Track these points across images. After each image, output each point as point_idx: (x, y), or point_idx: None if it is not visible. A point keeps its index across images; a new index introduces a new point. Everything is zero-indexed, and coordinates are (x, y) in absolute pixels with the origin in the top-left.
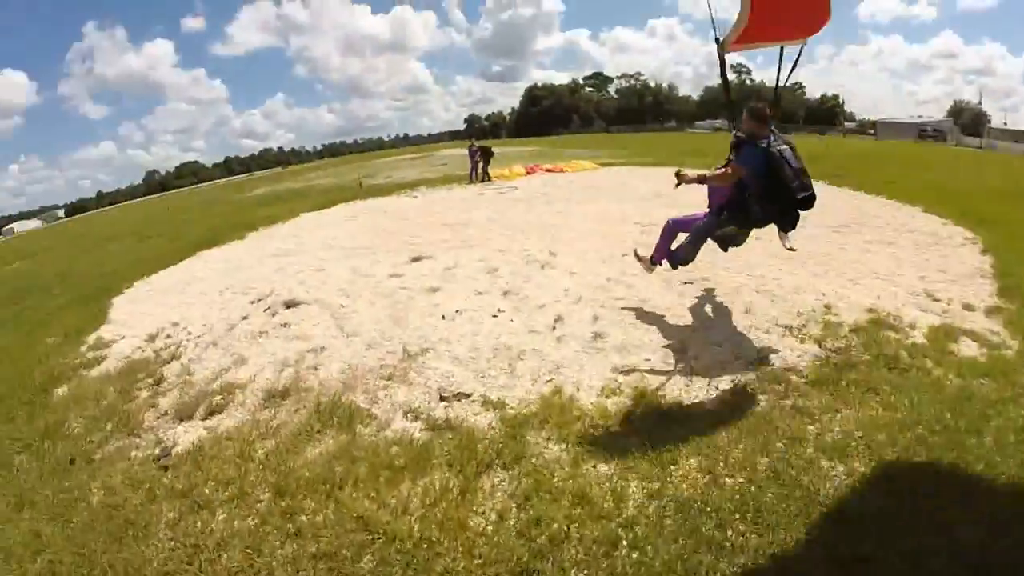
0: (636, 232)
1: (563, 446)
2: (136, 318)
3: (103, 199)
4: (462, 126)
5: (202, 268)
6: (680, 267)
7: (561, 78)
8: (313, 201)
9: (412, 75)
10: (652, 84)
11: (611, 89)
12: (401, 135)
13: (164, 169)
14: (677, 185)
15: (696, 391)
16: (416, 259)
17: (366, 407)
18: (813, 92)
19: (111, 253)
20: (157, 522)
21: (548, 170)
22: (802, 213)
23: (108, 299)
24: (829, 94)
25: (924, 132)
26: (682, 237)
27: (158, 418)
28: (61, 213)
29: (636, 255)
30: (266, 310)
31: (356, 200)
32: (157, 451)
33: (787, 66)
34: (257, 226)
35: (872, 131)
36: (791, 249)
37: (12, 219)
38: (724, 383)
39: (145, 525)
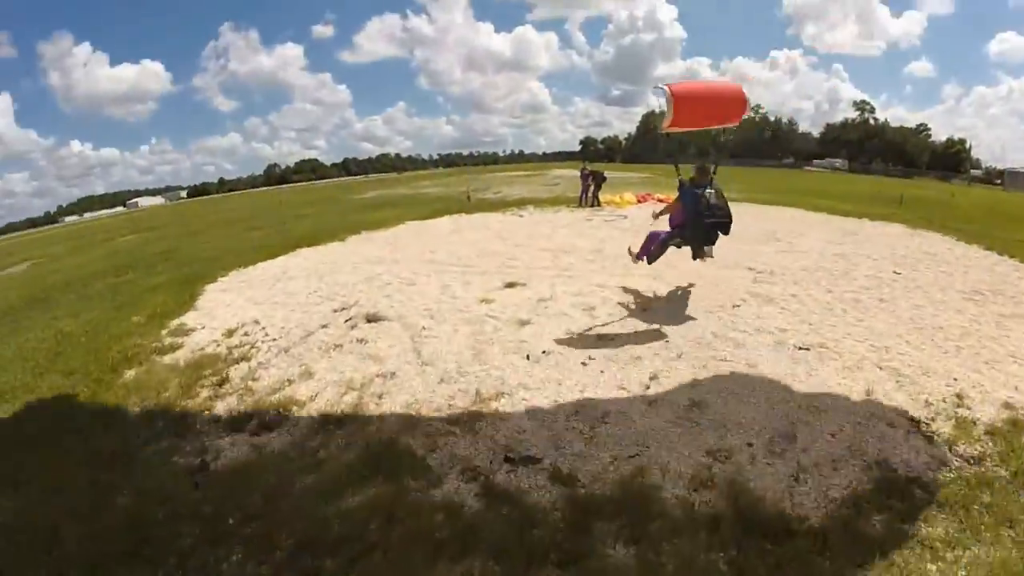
0: (748, 280)
1: (632, 550)
2: (221, 309)
3: (224, 185)
4: (577, 147)
5: (297, 266)
6: (650, 264)
7: None
8: (420, 210)
9: (531, 94)
10: (772, 118)
11: None
12: (516, 151)
13: (284, 163)
14: (656, 217)
15: (801, 496)
16: (510, 285)
17: (421, 454)
18: (939, 135)
19: (217, 238)
20: (171, 546)
21: (660, 200)
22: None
23: (202, 285)
24: (956, 138)
25: None
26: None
27: (210, 423)
28: (183, 194)
29: (629, 251)
30: (347, 320)
31: (462, 213)
32: (197, 463)
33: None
34: (360, 229)
35: (999, 180)
36: (710, 257)
37: (139, 194)
38: (836, 489)
39: (160, 545)
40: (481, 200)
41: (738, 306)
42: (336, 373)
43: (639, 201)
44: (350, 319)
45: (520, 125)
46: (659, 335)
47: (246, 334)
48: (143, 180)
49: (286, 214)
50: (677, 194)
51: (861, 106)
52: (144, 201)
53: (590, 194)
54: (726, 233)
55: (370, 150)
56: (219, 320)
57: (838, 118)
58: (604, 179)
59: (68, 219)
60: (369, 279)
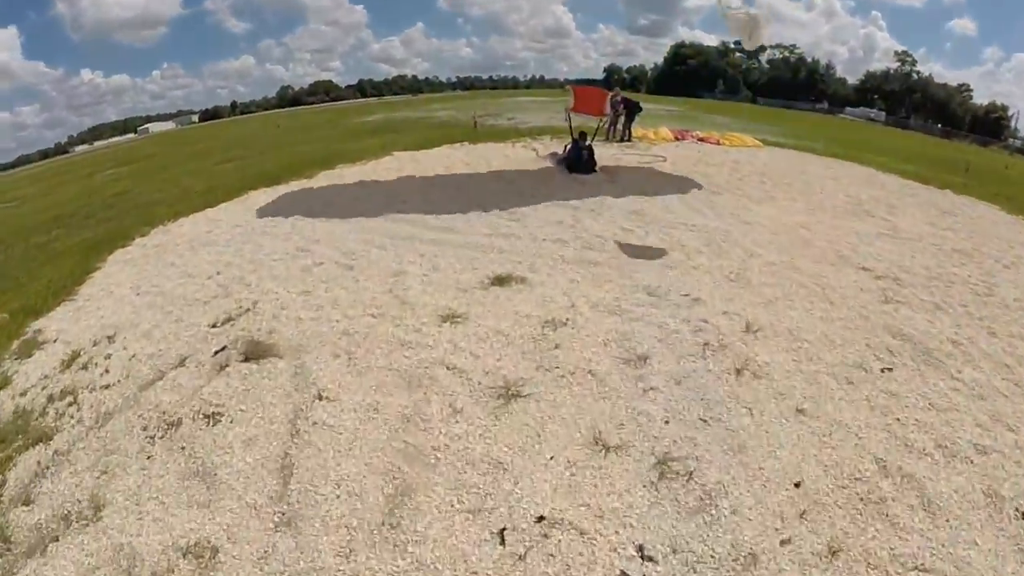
0: (874, 295)
1: None
2: (101, 300)
3: (236, 108)
4: (600, 75)
5: (227, 223)
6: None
7: (708, 40)
8: (416, 137)
9: (555, 18)
10: (808, 59)
11: (762, 58)
12: (537, 76)
13: (298, 85)
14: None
15: None
16: (500, 281)
17: None
18: (979, 98)
19: (179, 176)
20: None
21: (701, 139)
22: None
23: (109, 252)
24: (998, 103)
25: None
26: None
27: None
28: (195, 118)
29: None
30: (217, 353)
31: (464, 143)
32: None
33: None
34: (337, 163)
35: None
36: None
37: (151, 119)
38: None
39: None
40: (491, 128)
41: (889, 370)
42: (124, 535)
43: (677, 139)
44: (222, 349)
45: (542, 50)
46: (780, 440)
47: (86, 366)
48: (155, 105)
49: (272, 142)
50: (566, 145)
51: (903, 57)
52: (155, 127)
53: (620, 126)
54: (587, 171)
55: (387, 71)
56: (83, 325)
57: (872, 67)
58: (640, 110)
59: (79, 148)
60: (297, 252)
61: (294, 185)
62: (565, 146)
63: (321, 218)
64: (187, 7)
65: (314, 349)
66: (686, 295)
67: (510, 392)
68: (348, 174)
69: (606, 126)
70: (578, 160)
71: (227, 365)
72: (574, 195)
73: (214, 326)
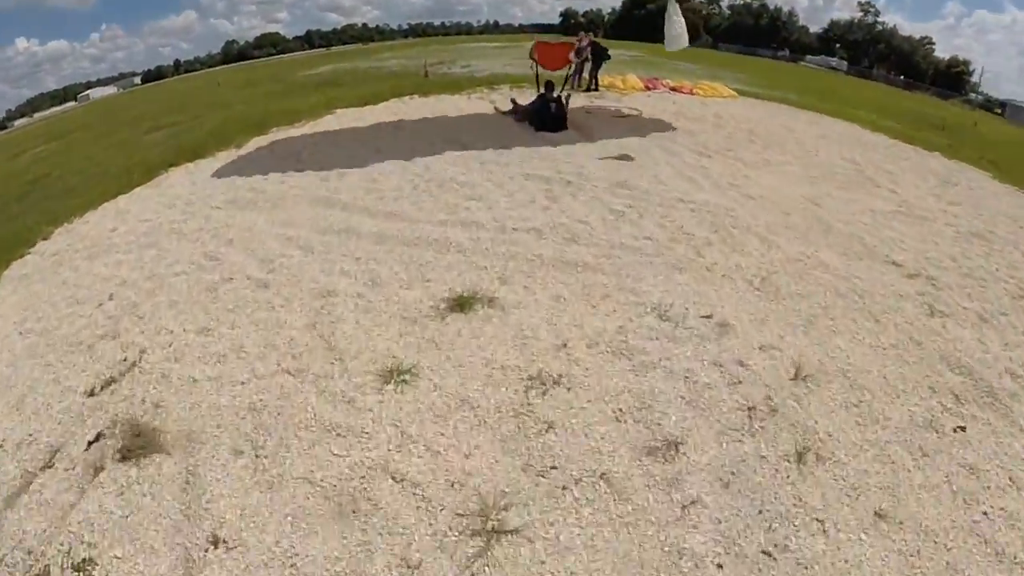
0: (912, 301)
1: None
2: None
3: (180, 67)
4: (556, 20)
5: (137, 218)
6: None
7: None
8: (363, 91)
9: None
10: (771, 6)
11: (723, 3)
12: (492, 22)
13: (243, 39)
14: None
15: None
16: (460, 304)
17: None
18: (941, 52)
19: (106, 149)
20: None
21: (673, 88)
22: None
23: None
24: (960, 57)
25: None
26: None
27: None
28: (138, 80)
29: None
30: (90, 446)
31: (415, 95)
32: None
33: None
34: (272, 126)
35: (1000, 111)
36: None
37: (91, 85)
38: None
39: None
40: (444, 77)
41: (962, 429)
42: None
43: (647, 88)
44: (97, 439)
45: None
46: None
47: None
48: (97, 70)
49: (209, 102)
50: (532, 100)
51: (865, 7)
52: (96, 92)
53: (586, 73)
54: (553, 131)
55: (335, 21)
56: None
57: (834, 15)
58: (607, 57)
59: (18, 123)
60: (204, 262)
61: (221, 158)
62: (530, 103)
63: (239, 206)
64: None
65: (209, 439)
66: (708, 317)
67: (490, 524)
68: (281, 141)
69: (571, 72)
70: (545, 115)
71: (102, 468)
72: (546, 164)
73: (91, 394)
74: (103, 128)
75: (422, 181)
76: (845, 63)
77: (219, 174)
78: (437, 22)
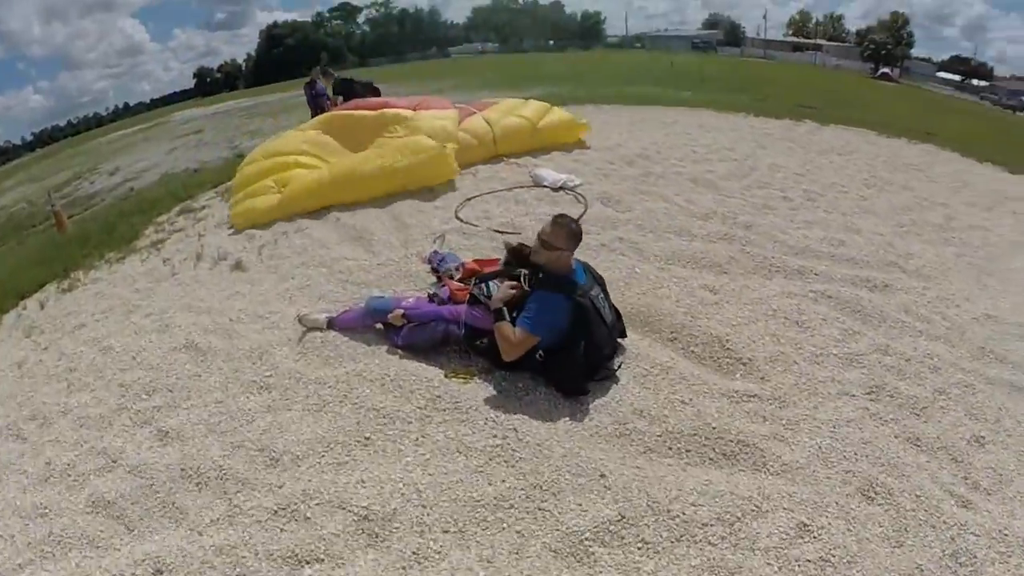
0: None
1: None
2: None
3: None
4: (191, 84)
5: None
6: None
7: (297, 16)
8: None
9: (125, 35)
10: (411, 10)
11: (360, 19)
12: (121, 105)
13: None
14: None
15: None
16: None
17: None
18: (570, 9)
19: None
20: None
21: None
22: None
23: None
24: (591, 11)
25: (696, 44)
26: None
27: None
28: None
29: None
30: None
31: (45, 289)
32: None
33: None
34: None
35: (639, 44)
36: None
37: None
38: None
39: None
40: (88, 208)
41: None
42: None
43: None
44: None
45: (119, 74)
46: None
47: None
48: None
49: None
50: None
51: None
52: None
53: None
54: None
55: None
56: None
57: (477, 3)
58: (377, 93)
59: None
60: None
61: None
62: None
63: None
64: None
65: None
66: None
67: None
68: None
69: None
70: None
71: None
72: None
73: None
74: None
75: None
76: (498, 45)
77: None
78: (63, 122)
